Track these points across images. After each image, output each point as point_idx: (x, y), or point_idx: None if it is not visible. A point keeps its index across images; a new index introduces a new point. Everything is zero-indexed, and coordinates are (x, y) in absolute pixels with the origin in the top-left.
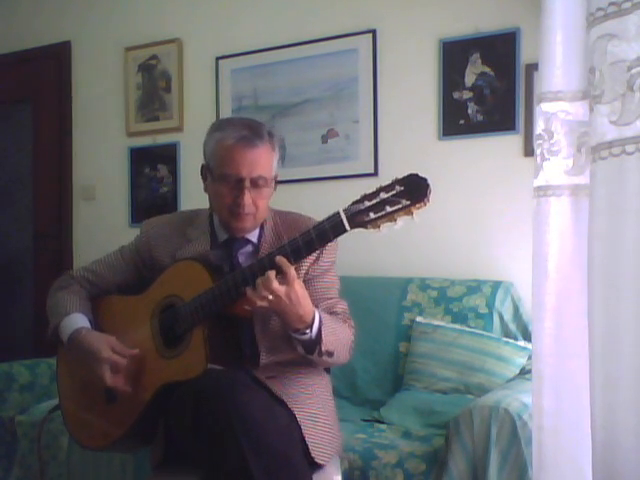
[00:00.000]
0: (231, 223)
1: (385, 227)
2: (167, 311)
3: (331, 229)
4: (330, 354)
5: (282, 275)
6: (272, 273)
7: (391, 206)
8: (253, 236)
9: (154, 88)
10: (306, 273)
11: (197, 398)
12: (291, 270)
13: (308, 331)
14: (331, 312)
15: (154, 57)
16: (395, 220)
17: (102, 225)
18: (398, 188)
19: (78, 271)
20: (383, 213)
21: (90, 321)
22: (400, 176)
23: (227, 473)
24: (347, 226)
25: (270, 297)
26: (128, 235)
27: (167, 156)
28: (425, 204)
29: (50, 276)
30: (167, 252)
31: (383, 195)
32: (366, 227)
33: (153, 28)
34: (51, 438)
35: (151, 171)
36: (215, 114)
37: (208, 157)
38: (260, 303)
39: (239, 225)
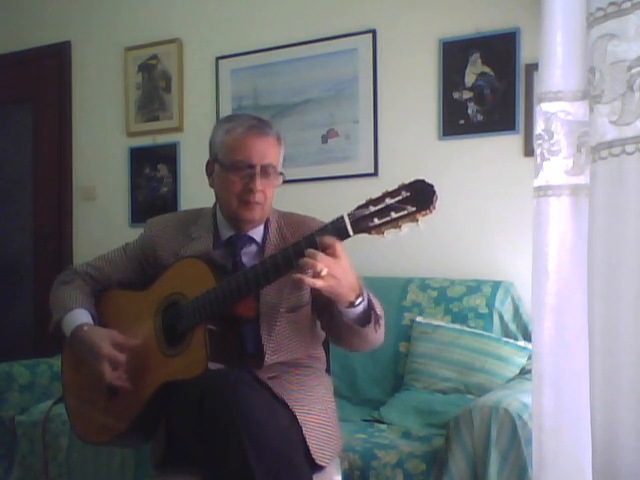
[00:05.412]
0: (240, 213)
1: (389, 233)
2: (170, 309)
3: (334, 234)
4: (381, 318)
5: (330, 253)
6: (313, 250)
7: (396, 212)
8: (257, 235)
9: (154, 88)
10: None
11: (200, 398)
12: (339, 247)
13: (360, 299)
14: None
15: (154, 57)
16: (400, 227)
17: (102, 225)
18: (404, 194)
19: (81, 266)
20: (388, 219)
21: (93, 317)
22: (406, 181)
23: (229, 473)
24: (350, 231)
25: (325, 271)
26: (128, 235)
27: (167, 156)
28: (431, 211)
29: (50, 276)
30: (171, 251)
31: (388, 200)
32: (370, 233)
33: (153, 28)
34: (51, 438)
35: (151, 171)
36: (215, 114)
37: (216, 148)
38: (318, 283)
39: (248, 215)
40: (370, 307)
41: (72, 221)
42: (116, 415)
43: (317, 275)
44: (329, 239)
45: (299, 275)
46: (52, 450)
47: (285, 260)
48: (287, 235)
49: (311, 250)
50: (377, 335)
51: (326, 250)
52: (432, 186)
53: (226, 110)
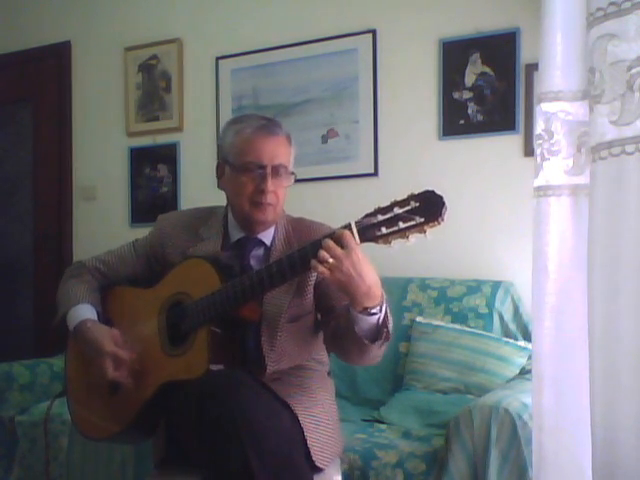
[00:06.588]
0: (253, 215)
1: (397, 243)
2: (174, 308)
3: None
4: (390, 339)
5: (341, 244)
6: (327, 239)
7: (404, 222)
8: (267, 237)
9: (154, 88)
10: (317, 277)
11: (202, 398)
12: (349, 237)
13: (377, 310)
14: None
15: (154, 57)
16: (407, 237)
17: (102, 225)
18: (413, 204)
19: (90, 260)
20: (395, 229)
21: (98, 313)
22: (416, 192)
23: (229, 473)
24: (357, 239)
25: (330, 260)
26: (128, 235)
27: (167, 156)
28: (439, 223)
29: (50, 276)
30: (179, 249)
31: (397, 210)
32: (377, 242)
33: (153, 28)
34: (51, 438)
35: (151, 171)
36: (215, 114)
37: (226, 150)
38: (321, 269)
39: (261, 217)
40: (385, 323)
41: (72, 221)
42: (117, 412)
43: (321, 261)
44: (339, 231)
45: (313, 260)
46: (52, 450)
47: (291, 265)
48: (293, 241)
49: (326, 239)
50: (379, 352)
51: (338, 242)
52: (441, 197)
53: (226, 110)
